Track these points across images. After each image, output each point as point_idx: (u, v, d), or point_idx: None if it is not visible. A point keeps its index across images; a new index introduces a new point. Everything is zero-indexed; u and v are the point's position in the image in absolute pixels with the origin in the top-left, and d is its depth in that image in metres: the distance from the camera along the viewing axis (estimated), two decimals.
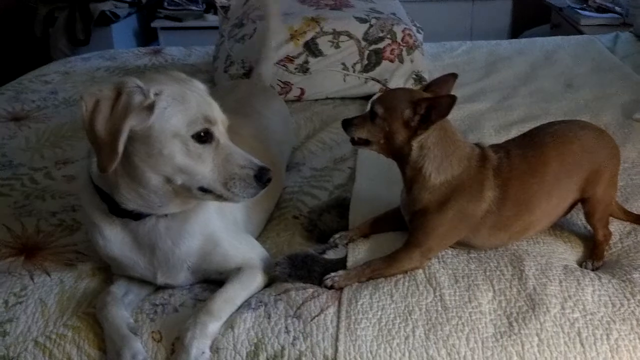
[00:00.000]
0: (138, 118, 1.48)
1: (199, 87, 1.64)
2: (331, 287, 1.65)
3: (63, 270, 1.79)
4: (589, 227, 1.82)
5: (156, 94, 1.49)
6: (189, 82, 1.63)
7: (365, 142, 1.72)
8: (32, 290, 1.71)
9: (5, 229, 1.99)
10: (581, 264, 1.75)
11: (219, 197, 1.56)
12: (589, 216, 1.79)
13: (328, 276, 1.67)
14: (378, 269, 1.68)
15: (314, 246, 1.84)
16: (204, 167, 1.52)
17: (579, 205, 1.81)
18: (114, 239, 1.66)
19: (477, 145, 1.77)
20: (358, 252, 1.78)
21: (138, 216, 1.61)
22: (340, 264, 1.74)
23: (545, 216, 1.77)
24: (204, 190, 1.54)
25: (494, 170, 1.71)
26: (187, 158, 1.51)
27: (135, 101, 1.46)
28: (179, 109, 1.51)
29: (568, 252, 1.79)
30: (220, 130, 1.56)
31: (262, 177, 1.55)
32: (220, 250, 1.70)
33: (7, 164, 2.43)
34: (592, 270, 1.71)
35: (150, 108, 1.48)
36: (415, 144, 1.66)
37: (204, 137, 1.52)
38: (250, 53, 2.94)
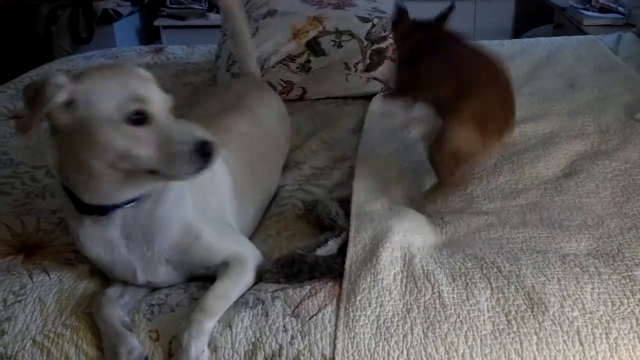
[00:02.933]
0: (60, 114, 1.48)
1: (138, 72, 1.59)
2: None
3: (62, 269, 1.78)
4: None
5: (75, 89, 1.48)
6: (127, 67, 1.61)
7: None
8: (31, 289, 1.71)
9: (5, 227, 1.98)
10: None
11: (168, 177, 1.53)
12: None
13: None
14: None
15: (305, 242, 1.83)
16: (144, 149, 1.48)
17: None
18: (91, 239, 1.65)
19: None
20: (358, 241, 1.78)
21: (102, 210, 1.59)
22: (329, 260, 1.73)
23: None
24: (152, 172, 1.50)
25: None
26: (124, 142, 1.47)
27: (52, 100, 1.46)
28: (105, 95, 1.48)
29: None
30: (157, 109, 1.51)
31: (203, 151, 1.48)
32: (202, 243, 1.68)
33: (7, 162, 2.43)
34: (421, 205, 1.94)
35: (70, 103, 1.47)
36: None
37: (138, 118, 1.48)
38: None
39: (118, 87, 1.50)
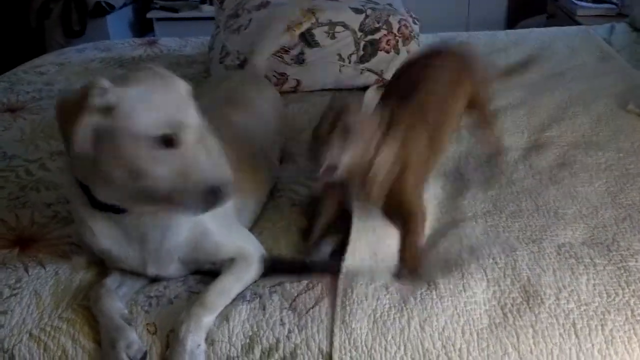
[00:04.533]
0: (98, 117, 1.44)
1: (179, 87, 1.55)
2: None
3: (58, 262, 1.78)
4: None
5: (120, 95, 1.44)
6: (170, 80, 1.55)
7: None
8: (27, 282, 1.71)
9: (0, 220, 1.98)
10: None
11: (175, 208, 1.51)
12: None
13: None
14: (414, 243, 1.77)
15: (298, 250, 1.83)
16: (161, 172, 1.45)
17: None
18: (103, 232, 1.64)
19: None
20: (356, 244, 1.78)
21: (118, 210, 1.59)
22: (320, 266, 1.73)
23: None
24: (165, 198, 1.48)
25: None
26: (146, 161, 1.45)
27: (94, 102, 1.43)
28: (144, 110, 1.45)
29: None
30: (189, 136, 1.48)
31: (212, 198, 1.47)
32: (211, 240, 1.68)
33: (1, 155, 2.42)
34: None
35: (111, 109, 1.44)
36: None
37: (168, 141, 1.45)
38: (246, 44, 2.93)
39: (162, 105, 1.47)
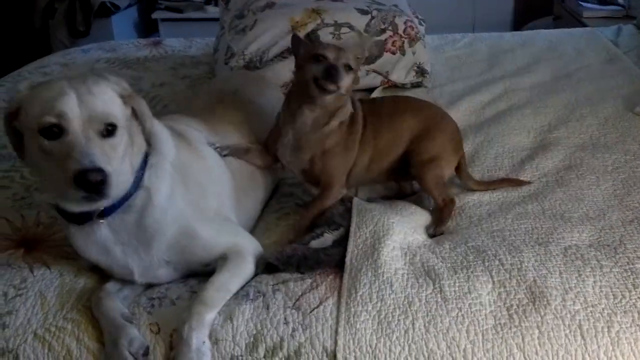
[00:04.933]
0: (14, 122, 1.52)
1: (90, 86, 1.53)
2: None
3: (63, 263, 1.78)
4: None
5: (22, 98, 1.51)
6: (85, 81, 1.54)
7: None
8: (32, 282, 1.71)
9: (5, 221, 1.98)
10: (427, 229, 1.92)
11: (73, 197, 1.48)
12: (419, 181, 2.01)
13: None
14: (309, 216, 1.90)
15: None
16: (49, 164, 1.46)
17: None
18: (82, 244, 1.65)
19: None
20: (359, 235, 1.78)
21: (80, 219, 1.59)
22: (319, 253, 1.74)
23: (388, 147, 2.01)
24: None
25: (364, 112, 2.00)
26: (38, 154, 1.47)
27: (8, 106, 1.51)
28: (34, 106, 1.48)
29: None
30: (75, 125, 1.45)
31: (81, 179, 1.40)
32: (199, 242, 1.68)
33: (6, 155, 2.41)
34: (434, 235, 1.88)
35: (19, 110, 1.51)
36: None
37: (54, 132, 1.45)
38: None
39: (47, 100, 1.48)
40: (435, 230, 1.89)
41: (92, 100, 1.49)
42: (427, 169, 1.97)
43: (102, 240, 1.62)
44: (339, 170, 1.94)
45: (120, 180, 1.51)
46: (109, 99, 1.54)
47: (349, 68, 1.83)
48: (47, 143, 1.45)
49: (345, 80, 1.82)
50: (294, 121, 1.90)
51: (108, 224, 1.60)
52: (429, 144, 2.00)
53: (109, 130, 1.50)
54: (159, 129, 1.70)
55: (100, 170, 1.42)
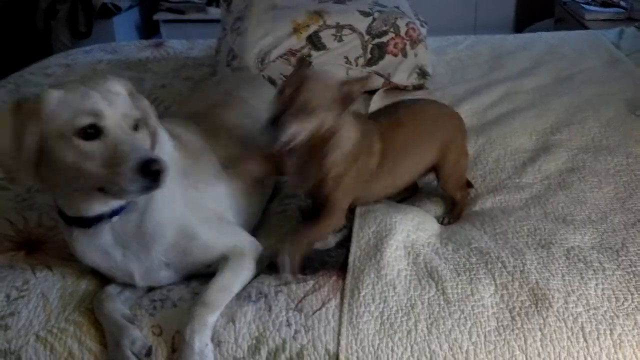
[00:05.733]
0: (35, 127, 1.46)
1: (107, 87, 1.56)
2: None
3: (65, 265, 1.78)
4: None
5: (44, 99, 1.48)
6: (98, 82, 1.57)
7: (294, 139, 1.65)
8: (34, 284, 1.71)
9: (7, 222, 1.98)
10: (439, 219, 1.97)
11: (114, 195, 1.49)
12: (444, 185, 2.01)
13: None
14: (311, 237, 1.78)
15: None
16: (92, 164, 1.44)
17: None
18: (83, 248, 1.65)
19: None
20: (362, 236, 1.79)
21: (84, 223, 1.59)
22: (323, 254, 1.75)
23: (408, 171, 1.97)
24: (103, 190, 1.47)
25: (378, 134, 1.87)
26: (75, 157, 1.45)
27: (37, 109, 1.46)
28: (62, 108, 1.46)
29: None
30: (112, 123, 1.47)
31: (148, 169, 1.42)
32: (198, 242, 1.68)
33: None
34: (447, 224, 1.94)
35: (38, 114, 1.46)
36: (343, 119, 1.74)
37: (90, 133, 1.45)
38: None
39: (78, 100, 1.48)
40: (451, 221, 1.95)
41: (116, 99, 1.52)
42: (452, 177, 2.00)
43: (104, 245, 1.63)
44: (343, 201, 1.83)
45: None
46: (125, 97, 1.57)
47: (308, 112, 1.64)
48: (87, 143, 1.45)
49: (292, 131, 1.62)
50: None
51: (111, 226, 1.60)
52: (453, 155, 1.99)
53: (136, 126, 1.53)
54: (159, 130, 1.71)
55: (159, 160, 1.44)
